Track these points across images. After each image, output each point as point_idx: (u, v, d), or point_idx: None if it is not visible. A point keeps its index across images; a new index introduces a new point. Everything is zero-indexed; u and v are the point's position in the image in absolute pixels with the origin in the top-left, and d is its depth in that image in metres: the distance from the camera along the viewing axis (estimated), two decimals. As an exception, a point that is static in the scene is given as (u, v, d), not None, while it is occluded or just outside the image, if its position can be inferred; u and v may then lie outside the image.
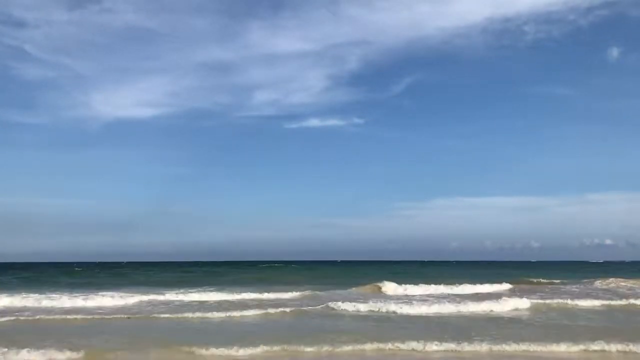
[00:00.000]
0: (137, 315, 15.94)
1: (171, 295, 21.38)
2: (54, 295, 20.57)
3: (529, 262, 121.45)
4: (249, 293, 22.27)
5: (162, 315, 15.79)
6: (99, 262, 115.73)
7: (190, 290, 24.20)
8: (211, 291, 23.91)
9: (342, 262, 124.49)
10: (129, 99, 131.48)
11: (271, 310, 16.78)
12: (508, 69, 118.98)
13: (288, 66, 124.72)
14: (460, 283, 27.98)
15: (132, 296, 20.39)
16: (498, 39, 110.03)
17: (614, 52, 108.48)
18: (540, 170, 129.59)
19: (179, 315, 15.71)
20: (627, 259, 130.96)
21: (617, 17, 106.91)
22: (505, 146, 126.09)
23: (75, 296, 20.08)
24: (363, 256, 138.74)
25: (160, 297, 20.86)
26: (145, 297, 20.47)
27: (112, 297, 19.61)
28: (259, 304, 18.89)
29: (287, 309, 17.21)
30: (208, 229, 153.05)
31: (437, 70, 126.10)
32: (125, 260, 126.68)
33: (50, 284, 33.02)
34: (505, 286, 29.39)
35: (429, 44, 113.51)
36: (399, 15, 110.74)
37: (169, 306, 18.64)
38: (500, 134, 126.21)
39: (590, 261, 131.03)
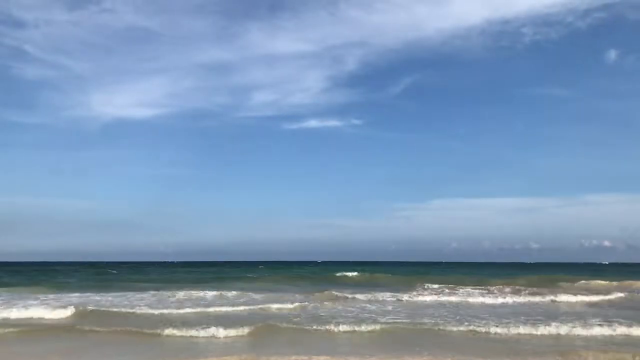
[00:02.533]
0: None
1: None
2: None
3: (549, 264, 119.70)
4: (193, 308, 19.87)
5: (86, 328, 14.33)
6: (100, 262, 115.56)
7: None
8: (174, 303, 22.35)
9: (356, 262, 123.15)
10: (128, 99, 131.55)
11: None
12: (506, 70, 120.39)
13: (287, 67, 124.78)
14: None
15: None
16: (496, 40, 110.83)
17: (612, 54, 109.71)
18: (539, 172, 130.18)
19: (98, 329, 14.06)
20: (626, 260, 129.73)
21: (614, 20, 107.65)
22: (503, 147, 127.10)
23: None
24: (363, 257, 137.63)
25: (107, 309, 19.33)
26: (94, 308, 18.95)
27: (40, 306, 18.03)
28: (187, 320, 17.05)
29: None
30: (207, 229, 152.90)
31: (436, 72, 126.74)
32: (124, 260, 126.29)
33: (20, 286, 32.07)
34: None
35: (428, 45, 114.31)
36: (398, 16, 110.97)
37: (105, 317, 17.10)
38: (498, 135, 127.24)
39: (599, 262, 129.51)
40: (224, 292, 25.39)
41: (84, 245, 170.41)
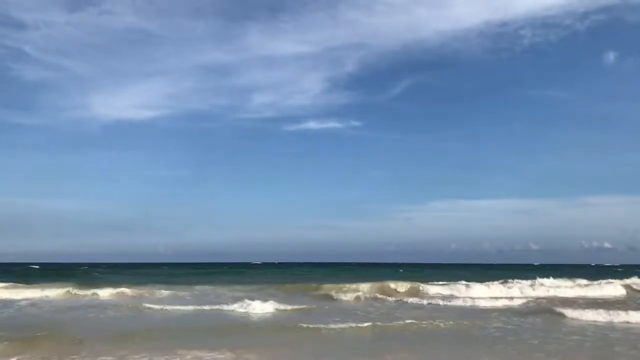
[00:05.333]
0: None
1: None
2: None
3: (559, 265, 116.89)
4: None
5: None
6: (97, 263, 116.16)
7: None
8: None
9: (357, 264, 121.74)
10: (128, 101, 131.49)
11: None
12: (505, 72, 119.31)
13: (286, 69, 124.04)
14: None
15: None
16: (495, 42, 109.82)
17: (611, 56, 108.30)
18: (539, 173, 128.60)
19: None
20: (625, 262, 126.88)
21: (613, 22, 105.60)
22: (503, 149, 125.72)
23: None
24: (365, 258, 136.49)
25: None
26: None
27: None
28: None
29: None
30: (207, 231, 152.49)
31: (435, 73, 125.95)
32: (123, 261, 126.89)
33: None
34: None
35: (427, 47, 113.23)
36: (397, 18, 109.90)
37: None
38: (497, 137, 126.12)
39: (604, 264, 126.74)
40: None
41: (83, 247, 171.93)
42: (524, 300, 24.24)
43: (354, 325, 14.95)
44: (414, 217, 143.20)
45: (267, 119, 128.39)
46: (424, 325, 15.41)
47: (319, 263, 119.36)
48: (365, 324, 15.06)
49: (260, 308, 19.10)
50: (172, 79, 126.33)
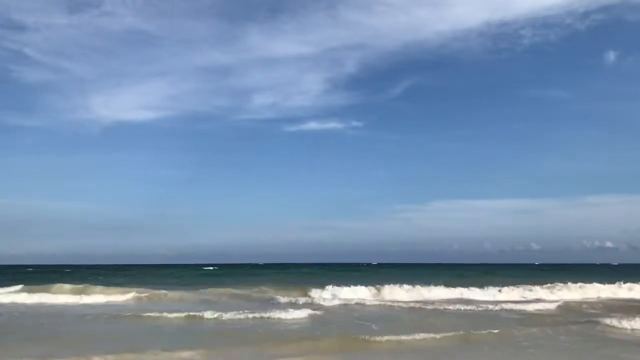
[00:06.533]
0: None
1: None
2: None
3: (562, 265, 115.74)
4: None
5: None
6: (96, 265, 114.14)
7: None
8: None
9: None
10: (128, 102, 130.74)
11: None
12: (505, 72, 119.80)
13: (287, 70, 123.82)
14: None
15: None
16: (495, 42, 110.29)
17: (611, 55, 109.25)
18: (539, 173, 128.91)
19: None
20: (628, 261, 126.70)
21: (613, 21, 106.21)
22: (503, 149, 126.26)
23: None
24: (366, 258, 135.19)
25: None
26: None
27: None
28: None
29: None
30: (207, 231, 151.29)
31: (435, 74, 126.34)
32: (123, 262, 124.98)
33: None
34: None
35: (427, 47, 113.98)
36: (397, 19, 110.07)
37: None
38: (498, 137, 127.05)
39: (613, 264, 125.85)
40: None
41: (84, 248, 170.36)
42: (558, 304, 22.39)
43: (405, 337, 12.94)
44: (415, 217, 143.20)
45: (267, 119, 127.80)
46: (482, 333, 13.48)
47: (320, 264, 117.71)
48: (420, 335, 12.99)
49: (286, 314, 17.12)
50: (172, 80, 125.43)
